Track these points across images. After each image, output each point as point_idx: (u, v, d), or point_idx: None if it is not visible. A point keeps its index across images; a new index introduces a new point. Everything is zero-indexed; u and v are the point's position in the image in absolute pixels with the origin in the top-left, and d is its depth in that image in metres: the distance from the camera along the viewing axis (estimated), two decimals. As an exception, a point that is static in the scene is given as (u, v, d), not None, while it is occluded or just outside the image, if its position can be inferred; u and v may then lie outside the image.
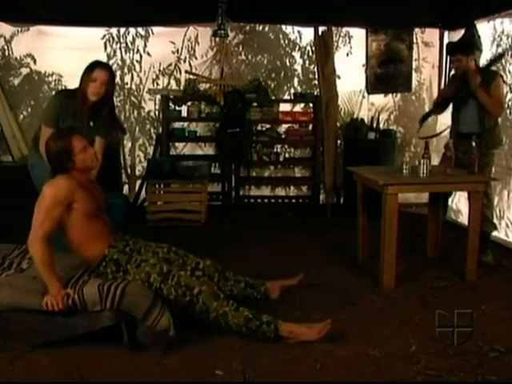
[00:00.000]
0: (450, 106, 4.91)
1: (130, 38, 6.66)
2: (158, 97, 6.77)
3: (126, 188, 6.95)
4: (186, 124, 6.95)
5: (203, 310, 3.13)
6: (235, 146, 6.48)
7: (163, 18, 6.30)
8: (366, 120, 6.71)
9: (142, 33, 6.64)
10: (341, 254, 4.94)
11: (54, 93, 5.51)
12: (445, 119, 5.58)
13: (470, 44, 5.16)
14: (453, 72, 5.08)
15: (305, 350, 3.05)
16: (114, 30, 6.60)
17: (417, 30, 6.79)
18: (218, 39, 6.41)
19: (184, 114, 6.76)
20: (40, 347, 3.03)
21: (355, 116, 6.81)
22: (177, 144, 7.02)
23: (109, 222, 3.46)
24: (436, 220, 4.76)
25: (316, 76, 6.69)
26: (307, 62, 6.93)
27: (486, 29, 5.66)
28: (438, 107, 4.98)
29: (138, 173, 6.98)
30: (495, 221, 5.14)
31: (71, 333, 3.04)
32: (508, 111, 5.40)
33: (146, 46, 6.67)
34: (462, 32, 5.78)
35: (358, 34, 6.78)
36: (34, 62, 6.59)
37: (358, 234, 4.66)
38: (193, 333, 3.18)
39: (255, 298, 3.66)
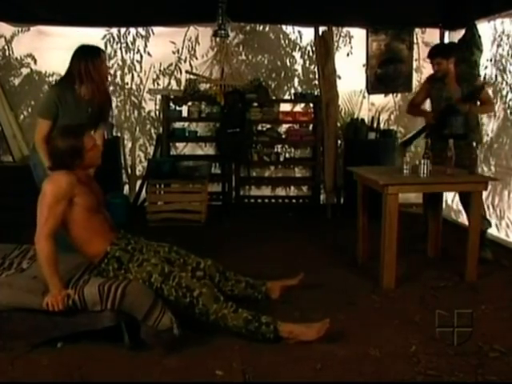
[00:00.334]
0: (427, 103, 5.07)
1: (130, 38, 6.67)
2: (159, 97, 6.78)
3: (126, 188, 6.96)
4: (186, 124, 6.96)
5: (203, 311, 3.13)
6: (235, 146, 6.49)
7: (164, 18, 6.31)
8: (366, 120, 6.71)
9: (143, 33, 6.65)
10: (341, 254, 4.94)
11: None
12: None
13: (450, 47, 5.31)
14: (427, 76, 5.17)
15: (305, 351, 3.05)
16: (114, 30, 6.61)
17: (417, 30, 6.78)
18: (218, 39, 6.41)
19: (184, 114, 6.77)
20: (40, 347, 3.03)
21: (355, 116, 6.81)
22: (177, 144, 7.02)
23: (110, 218, 3.46)
24: (436, 220, 4.76)
25: (316, 76, 6.70)
26: (307, 62, 6.93)
27: (486, 29, 5.66)
28: (426, 130, 4.96)
29: (138, 173, 6.99)
30: (496, 222, 5.16)
31: (72, 331, 3.04)
32: (508, 111, 5.41)
33: (146, 46, 6.67)
34: (462, 32, 5.79)
35: (359, 34, 6.78)
36: (35, 62, 6.60)
37: (358, 234, 4.66)
38: (193, 333, 3.18)
39: (256, 298, 3.67)
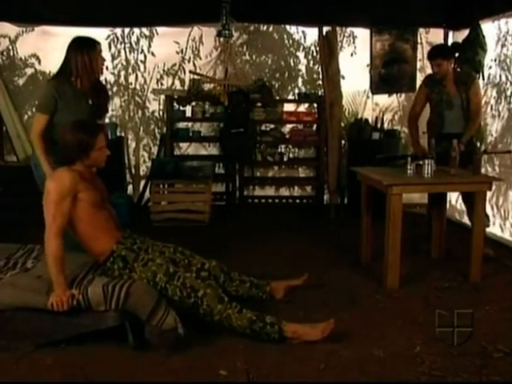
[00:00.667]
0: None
1: (134, 39, 6.69)
2: (163, 97, 6.79)
3: (130, 188, 6.98)
4: (190, 124, 6.97)
5: (207, 312, 3.14)
6: (239, 146, 6.50)
7: (167, 18, 6.32)
8: (370, 120, 6.70)
9: (147, 33, 6.66)
10: (345, 254, 4.93)
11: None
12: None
13: (450, 48, 5.30)
14: (423, 79, 5.12)
15: (309, 351, 3.05)
16: (118, 31, 6.63)
17: (421, 30, 6.78)
18: (222, 39, 6.39)
19: (188, 114, 6.78)
20: (44, 347, 3.03)
21: (359, 116, 6.81)
22: (181, 144, 7.03)
23: (115, 216, 3.47)
24: (440, 220, 4.75)
25: (320, 76, 6.69)
26: (311, 62, 6.94)
27: (490, 29, 5.65)
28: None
29: (142, 173, 7.00)
30: (501, 222, 5.15)
31: (76, 331, 3.04)
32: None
33: (150, 46, 6.69)
34: (466, 32, 5.77)
35: (363, 34, 6.78)
36: (39, 62, 6.62)
37: (362, 234, 4.66)
38: (197, 333, 3.18)
39: (260, 298, 3.68)
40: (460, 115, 4.71)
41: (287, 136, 6.98)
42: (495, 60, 5.67)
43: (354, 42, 6.83)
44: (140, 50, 6.71)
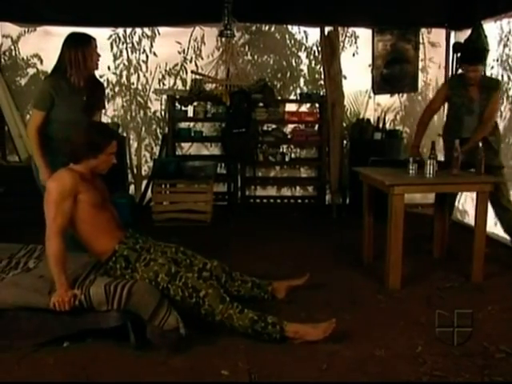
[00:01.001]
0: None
1: (136, 39, 6.69)
2: (164, 97, 6.79)
3: (132, 188, 6.98)
4: (191, 124, 6.97)
5: (209, 312, 3.14)
6: (241, 146, 6.50)
7: (169, 19, 6.32)
8: (372, 120, 6.71)
9: (149, 33, 6.66)
10: (346, 254, 4.93)
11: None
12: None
13: (483, 52, 5.18)
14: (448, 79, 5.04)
15: (310, 351, 3.05)
16: (120, 31, 6.63)
17: (423, 30, 6.78)
18: (224, 39, 6.41)
19: (190, 114, 6.78)
20: (46, 347, 3.04)
21: (361, 116, 6.81)
22: (183, 144, 7.04)
23: (117, 216, 3.47)
24: (442, 220, 4.75)
25: (322, 76, 6.69)
26: (313, 62, 6.93)
27: (492, 29, 5.65)
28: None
29: (144, 173, 7.00)
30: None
31: (77, 329, 3.05)
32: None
33: (152, 46, 6.69)
34: (468, 32, 5.77)
35: (364, 34, 6.78)
36: (41, 62, 6.61)
37: (364, 234, 4.65)
38: (198, 333, 3.18)
39: (262, 298, 3.68)
40: (478, 122, 4.61)
41: (289, 136, 6.98)
42: (497, 60, 5.66)
43: (355, 42, 6.83)
44: (142, 50, 6.71)
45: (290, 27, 6.84)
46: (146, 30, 6.66)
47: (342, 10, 6.21)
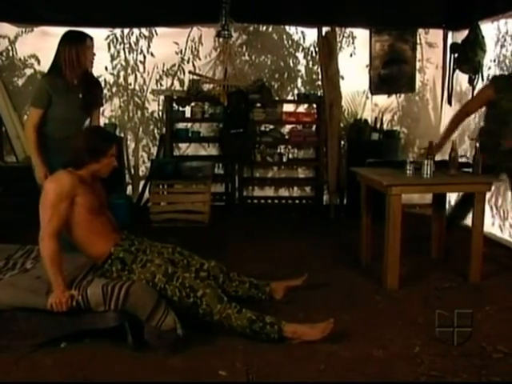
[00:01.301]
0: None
1: (133, 39, 6.68)
2: (162, 97, 6.79)
3: (129, 188, 6.97)
4: (189, 125, 6.96)
5: (207, 312, 3.13)
6: (239, 146, 6.49)
7: (167, 19, 6.32)
8: (369, 121, 6.70)
9: (146, 33, 6.66)
10: (344, 254, 4.94)
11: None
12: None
13: None
14: (491, 80, 4.75)
15: (308, 351, 3.05)
16: (117, 31, 6.63)
17: (420, 30, 6.78)
18: (221, 40, 6.40)
19: (187, 114, 6.78)
20: (44, 347, 3.03)
21: (359, 117, 6.81)
22: (180, 145, 7.03)
23: (113, 219, 3.47)
24: (440, 221, 4.75)
25: (319, 77, 6.69)
26: (311, 63, 6.93)
27: (489, 29, 5.66)
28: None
29: (141, 173, 7.00)
30: (500, 223, 5.15)
31: (75, 329, 3.05)
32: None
33: (149, 46, 6.69)
34: (465, 32, 5.78)
35: (362, 34, 6.78)
36: (38, 62, 6.60)
37: (362, 234, 4.66)
38: (196, 333, 3.17)
39: (260, 299, 3.68)
40: None
41: (286, 136, 6.98)
42: (494, 60, 5.67)
43: (353, 43, 6.83)
44: (139, 51, 6.71)
45: (287, 28, 6.84)
46: (144, 31, 6.65)
47: (339, 11, 6.20)
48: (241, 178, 6.84)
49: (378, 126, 6.61)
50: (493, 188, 4.81)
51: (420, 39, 6.81)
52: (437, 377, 2.81)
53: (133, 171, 7.00)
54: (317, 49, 6.69)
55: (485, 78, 5.68)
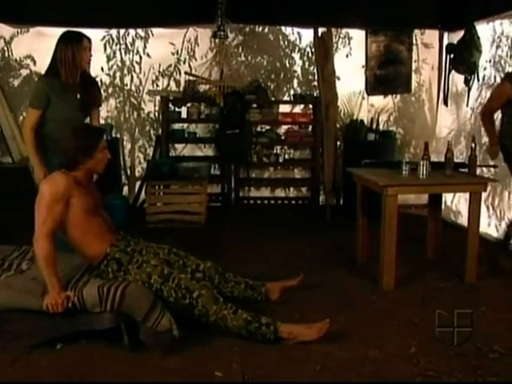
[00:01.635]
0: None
1: (129, 40, 6.67)
2: (158, 98, 6.78)
3: (125, 189, 6.96)
4: (185, 125, 6.96)
5: (203, 313, 3.13)
6: (235, 147, 6.49)
7: (163, 20, 6.31)
8: (365, 121, 6.71)
9: (142, 34, 6.65)
10: (340, 254, 4.94)
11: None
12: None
13: None
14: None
15: (304, 351, 3.05)
16: (113, 32, 6.61)
17: (416, 31, 6.79)
18: (217, 40, 6.40)
19: (184, 115, 6.77)
20: (40, 348, 3.03)
21: (355, 117, 6.81)
22: (176, 145, 7.02)
23: (109, 220, 3.47)
24: (436, 221, 4.76)
25: (315, 77, 6.70)
26: (307, 64, 6.93)
27: (485, 30, 5.66)
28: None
29: (137, 174, 6.99)
30: (496, 223, 5.15)
31: (71, 330, 3.04)
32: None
33: (145, 47, 6.67)
34: (461, 33, 5.79)
35: (358, 35, 6.78)
36: (34, 63, 6.58)
37: (358, 234, 4.66)
38: (192, 334, 3.17)
39: (255, 299, 3.68)
40: None
41: (283, 137, 6.98)
42: (490, 61, 5.67)
43: (349, 43, 6.83)
44: (135, 51, 6.69)
45: (283, 28, 6.84)
46: (140, 31, 6.64)
47: (335, 11, 6.20)
48: (237, 178, 6.84)
49: (374, 126, 6.60)
50: (489, 188, 4.82)
51: (416, 40, 6.81)
52: (433, 377, 2.82)
53: (129, 172, 6.99)
54: (313, 49, 6.69)
55: (480, 79, 5.68)
